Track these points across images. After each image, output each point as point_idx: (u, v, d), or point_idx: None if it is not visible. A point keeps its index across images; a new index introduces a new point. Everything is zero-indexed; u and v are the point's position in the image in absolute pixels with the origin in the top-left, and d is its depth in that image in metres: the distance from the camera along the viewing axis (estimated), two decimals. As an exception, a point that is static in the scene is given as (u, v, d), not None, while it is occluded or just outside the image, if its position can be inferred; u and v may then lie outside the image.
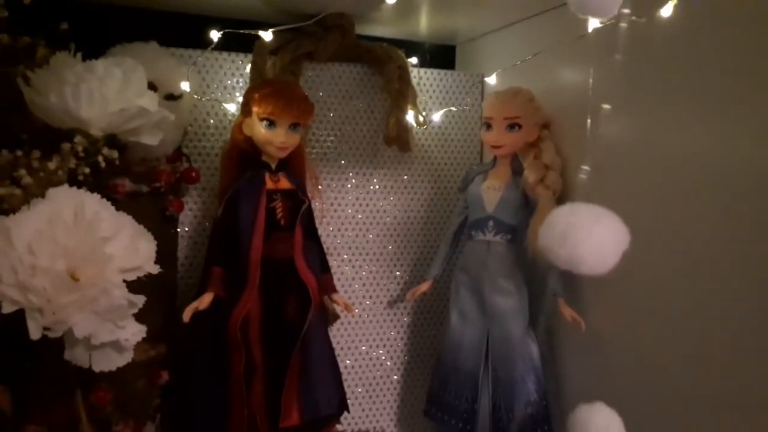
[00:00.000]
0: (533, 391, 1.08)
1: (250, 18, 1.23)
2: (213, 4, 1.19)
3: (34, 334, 0.67)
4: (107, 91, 0.86)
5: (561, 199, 1.09)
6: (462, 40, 1.48)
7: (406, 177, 1.30)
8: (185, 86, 1.07)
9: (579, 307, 1.05)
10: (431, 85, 1.33)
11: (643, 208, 0.92)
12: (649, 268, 0.92)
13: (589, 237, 0.64)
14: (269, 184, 1.03)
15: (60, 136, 0.92)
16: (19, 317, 0.69)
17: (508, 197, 1.11)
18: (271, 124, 1.00)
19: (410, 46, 1.35)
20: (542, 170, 1.09)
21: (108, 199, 0.98)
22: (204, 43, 1.13)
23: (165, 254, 1.10)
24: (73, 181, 0.91)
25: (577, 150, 1.10)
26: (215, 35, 1.07)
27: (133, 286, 0.80)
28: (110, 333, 0.72)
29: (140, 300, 0.75)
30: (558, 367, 1.14)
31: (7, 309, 0.66)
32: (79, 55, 0.92)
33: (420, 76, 1.31)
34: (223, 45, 1.15)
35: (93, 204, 0.76)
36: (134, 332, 0.75)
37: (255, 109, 1.00)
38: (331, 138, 1.24)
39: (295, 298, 1.02)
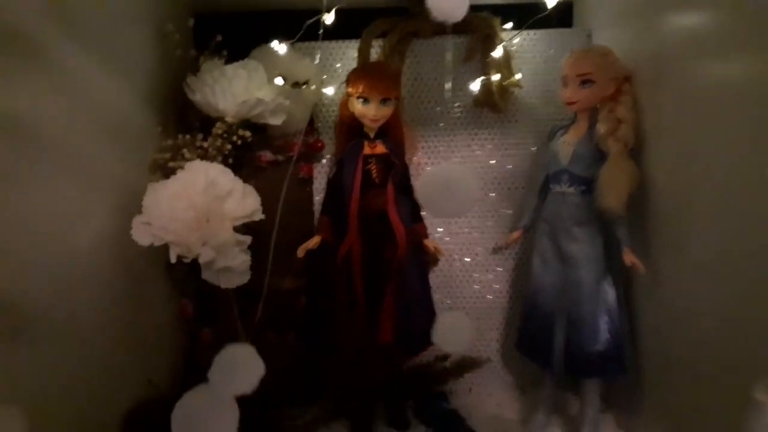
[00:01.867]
0: (605, 330, 1.17)
1: (363, 5, 1.43)
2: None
3: (172, 258, 1.01)
4: (234, 88, 1.18)
5: (632, 152, 1.13)
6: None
7: (509, 134, 1.42)
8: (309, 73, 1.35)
9: (645, 253, 1.10)
10: (538, 45, 1.41)
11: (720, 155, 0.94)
12: (715, 218, 0.95)
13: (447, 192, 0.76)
14: (366, 150, 1.26)
15: (213, 122, 1.27)
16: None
17: (581, 151, 1.18)
18: (365, 100, 1.23)
19: (524, 8, 1.44)
20: (614, 123, 1.14)
21: (253, 167, 1.33)
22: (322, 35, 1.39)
23: (301, 209, 1.43)
24: (223, 155, 1.26)
25: (652, 103, 1.13)
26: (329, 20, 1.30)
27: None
28: (224, 261, 1.04)
29: (247, 239, 1.06)
30: (636, 315, 1.20)
31: (157, 243, 1.01)
32: (221, 61, 1.25)
33: (528, 38, 1.40)
34: (338, 34, 1.40)
35: (215, 172, 1.08)
36: (243, 260, 1.06)
37: (350, 89, 1.23)
38: (435, 105, 1.41)
39: (390, 242, 1.25)
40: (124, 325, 1.04)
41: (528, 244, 1.38)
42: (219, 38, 1.32)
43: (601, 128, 1.14)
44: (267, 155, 1.35)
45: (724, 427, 0.91)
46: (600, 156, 1.16)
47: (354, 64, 1.38)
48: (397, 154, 1.29)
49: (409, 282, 1.27)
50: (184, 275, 1.28)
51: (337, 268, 1.25)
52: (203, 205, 1.03)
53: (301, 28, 1.40)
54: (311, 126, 1.42)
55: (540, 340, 1.24)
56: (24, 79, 0.81)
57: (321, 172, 1.43)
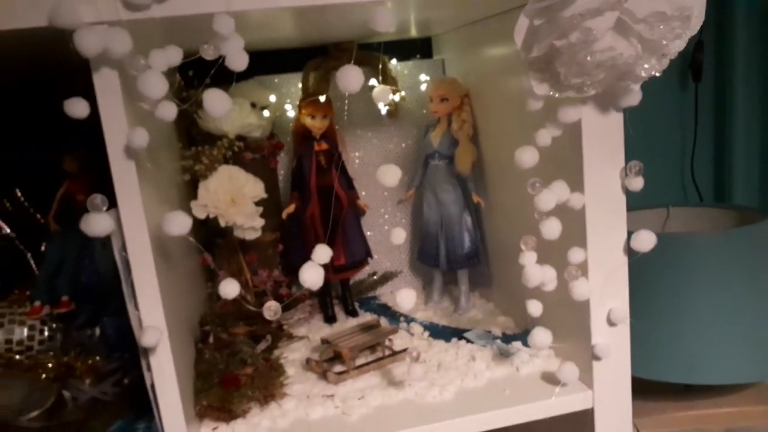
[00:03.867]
0: (468, 242, 2.02)
1: (303, 46, 2.15)
2: (275, 41, 2.15)
3: (222, 224, 1.72)
4: (233, 116, 1.87)
5: (473, 138, 1.98)
6: (435, 33, 2.33)
7: (400, 131, 2.23)
8: (271, 99, 2.06)
9: (484, 194, 1.97)
10: (410, 71, 2.22)
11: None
12: (508, 176, 1.82)
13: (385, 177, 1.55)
14: (316, 148, 1.98)
15: (215, 138, 1.96)
16: (213, 220, 1.76)
17: (444, 139, 1.97)
18: (312, 117, 1.96)
19: (398, 45, 2.24)
20: (461, 123, 1.96)
21: (241, 164, 2.04)
22: (279, 69, 2.12)
23: (271, 188, 2.14)
24: (224, 158, 1.96)
25: (481, 108, 1.98)
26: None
27: (260, 204, 1.83)
28: (249, 222, 1.76)
29: (260, 209, 1.79)
30: (483, 227, 2.08)
31: (211, 216, 1.72)
32: (219, 99, 1.93)
33: (402, 66, 2.20)
34: (288, 68, 2.13)
35: (235, 171, 1.78)
36: (259, 222, 1.79)
37: (303, 110, 1.97)
38: (354, 114, 2.19)
39: (337, 204, 2.00)
40: (189, 266, 1.74)
41: (418, 197, 2.21)
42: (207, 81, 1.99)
43: (455, 126, 1.96)
44: (248, 155, 2.05)
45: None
46: (455, 142, 1.98)
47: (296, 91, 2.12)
48: (336, 147, 2.05)
49: (350, 226, 2.05)
50: (204, 239, 1.98)
51: (306, 223, 2.01)
52: (234, 191, 1.74)
53: (262, 66, 2.11)
54: (272, 134, 2.14)
55: (430, 252, 2.07)
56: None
57: (283, 164, 2.17)
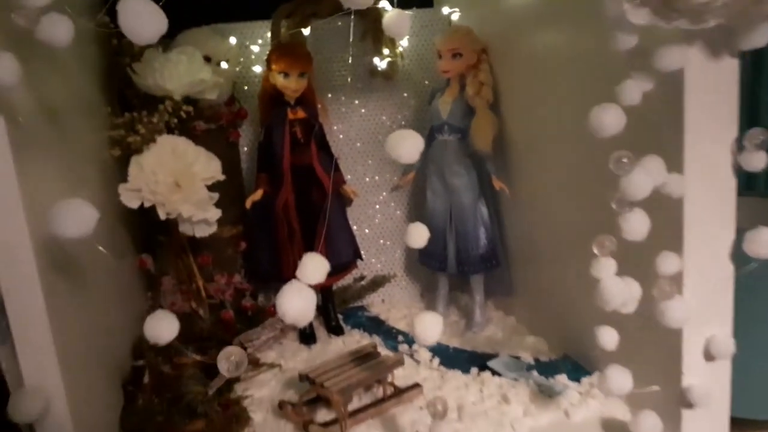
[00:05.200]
0: (483, 238, 1.59)
1: None
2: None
3: (162, 217, 1.25)
4: (180, 71, 1.39)
5: (492, 107, 1.54)
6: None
7: (396, 96, 1.78)
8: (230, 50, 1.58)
9: (508, 180, 1.54)
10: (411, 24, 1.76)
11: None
12: (550, 154, 1.39)
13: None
14: (290, 116, 1.54)
15: (156, 100, 1.47)
16: (152, 210, 1.28)
17: (456, 107, 1.57)
18: (286, 75, 1.50)
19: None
20: (478, 86, 1.53)
21: (191, 136, 1.56)
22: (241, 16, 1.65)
23: (232, 168, 1.68)
24: (168, 127, 1.48)
25: (504, 68, 1.54)
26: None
27: (216, 188, 1.36)
28: (201, 214, 1.29)
29: (215, 196, 1.32)
30: (503, 222, 1.65)
31: (147, 204, 1.24)
32: (160, 48, 1.45)
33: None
34: (253, 14, 1.66)
35: (182, 143, 1.31)
36: (214, 213, 1.32)
37: (273, 66, 1.51)
38: (337, 75, 1.73)
39: (316, 189, 1.56)
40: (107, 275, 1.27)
41: (418, 181, 1.76)
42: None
43: (470, 90, 1.53)
44: (201, 125, 1.57)
45: (566, 296, 1.37)
46: (469, 110, 1.55)
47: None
48: (315, 117, 1.59)
49: (334, 218, 1.60)
50: (144, 235, 1.51)
51: (277, 214, 1.54)
52: (179, 171, 1.27)
53: (217, 10, 1.63)
54: (232, 97, 1.66)
55: (436, 251, 1.64)
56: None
57: (246, 136, 1.69)
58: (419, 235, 1.02)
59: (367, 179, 1.79)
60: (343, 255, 1.61)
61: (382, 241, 1.81)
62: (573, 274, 1.26)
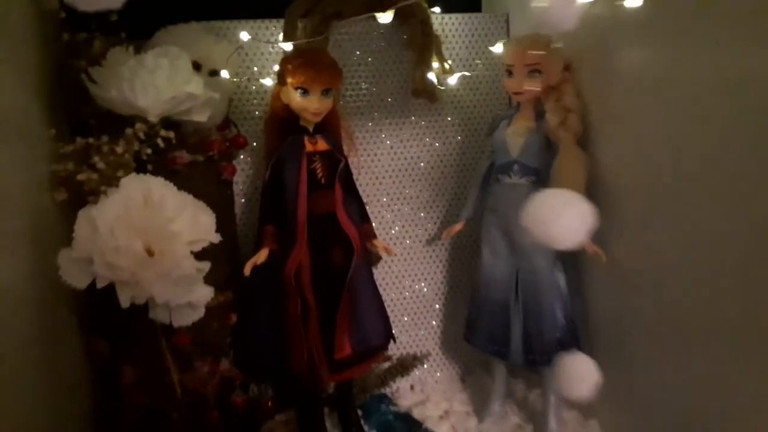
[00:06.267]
0: (561, 317, 1.19)
1: None
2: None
3: (124, 303, 0.82)
4: (158, 81, 0.98)
5: (581, 141, 1.15)
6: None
7: (436, 124, 1.38)
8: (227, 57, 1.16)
9: (601, 242, 1.14)
10: (456, 29, 1.37)
11: (662, 147, 0.98)
12: (667, 208, 0.99)
13: (560, 219, 0.72)
14: (308, 147, 1.13)
15: (122, 121, 1.05)
16: (110, 287, 0.85)
17: (531, 141, 1.18)
18: (305, 92, 1.10)
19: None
20: (563, 113, 1.15)
21: (169, 171, 1.13)
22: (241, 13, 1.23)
23: (223, 214, 1.25)
24: (138, 160, 1.05)
25: (598, 91, 1.15)
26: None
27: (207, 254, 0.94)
28: (184, 296, 0.86)
29: (206, 266, 0.90)
30: (585, 294, 1.25)
31: (101, 284, 0.81)
32: (131, 48, 1.03)
33: (444, 22, 1.35)
34: (259, 13, 1.25)
35: (159, 187, 0.89)
36: (204, 294, 0.89)
37: (289, 80, 1.10)
38: (364, 92, 1.33)
39: (340, 247, 1.15)
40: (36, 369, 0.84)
41: (467, 234, 1.36)
42: (114, 17, 1.08)
43: (552, 119, 1.14)
44: (184, 156, 1.15)
45: (679, 402, 0.99)
46: (548, 146, 1.17)
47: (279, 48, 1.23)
48: (339, 149, 1.18)
49: (362, 287, 1.18)
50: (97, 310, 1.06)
51: (287, 282, 1.11)
52: (152, 230, 0.84)
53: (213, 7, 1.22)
54: (227, 119, 1.24)
55: (494, 331, 1.23)
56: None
57: (243, 172, 1.27)
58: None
59: (395, 230, 1.38)
60: (373, 338, 1.19)
61: (411, 309, 1.40)
62: (702, 372, 0.90)
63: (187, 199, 0.91)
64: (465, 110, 1.39)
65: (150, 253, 0.84)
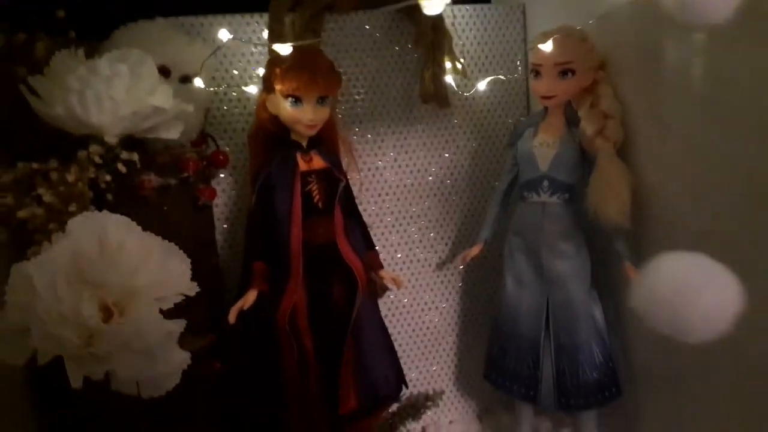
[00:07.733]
0: (598, 353, 1.03)
1: None
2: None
3: (75, 382, 0.63)
4: (116, 93, 0.79)
5: (621, 152, 0.98)
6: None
7: (446, 131, 1.20)
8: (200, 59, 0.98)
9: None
10: (467, 22, 1.19)
11: (716, 161, 0.82)
12: (727, 229, 0.83)
13: (698, 299, 0.53)
14: (302, 166, 0.96)
15: (74, 142, 0.86)
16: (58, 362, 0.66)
17: (564, 153, 1.01)
18: (297, 101, 0.92)
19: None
20: (600, 120, 0.98)
21: (135, 198, 0.94)
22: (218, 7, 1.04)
23: (203, 245, 1.07)
24: (96, 188, 0.86)
25: (640, 93, 0.98)
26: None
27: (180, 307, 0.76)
28: (152, 368, 0.68)
29: (179, 326, 0.71)
30: (625, 327, 1.08)
31: (43, 360, 0.62)
32: (81, 52, 0.84)
33: (454, 14, 1.17)
34: (239, 7, 1.06)
35: (117, 229, 0.70)
36: (179, 360, 0.71)
37: (278, 86, 0.91)
38: (362, 96, 1.15)
39: (341, 282, 0.97)
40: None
41: (485, 257, 1.19)
42: (61, 13, 0.89)
43: (588, 127, 0.97)
44: (152, 179, 0.96)
45: None
46: (583, 157, 1.00)
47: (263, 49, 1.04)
48: (339, 166, 1.00)
49: (368, 326, 1.01)
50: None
51: (281, 328, 0.94)
52: (109, 289, 0.65)
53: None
54: (203, 133, 1.05)
55: (521, 371, 1.07)
56: None
57: (227, 194, 1.09)
58: None
59: (401, 254, 1.21)
60: (383, 386, 1.02)
61: (422, 343, 1.23)
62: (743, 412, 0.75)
63: (153, 242, 0.72)
64: (477, 114, 1.22)
65: (107, 314, 0.66)
